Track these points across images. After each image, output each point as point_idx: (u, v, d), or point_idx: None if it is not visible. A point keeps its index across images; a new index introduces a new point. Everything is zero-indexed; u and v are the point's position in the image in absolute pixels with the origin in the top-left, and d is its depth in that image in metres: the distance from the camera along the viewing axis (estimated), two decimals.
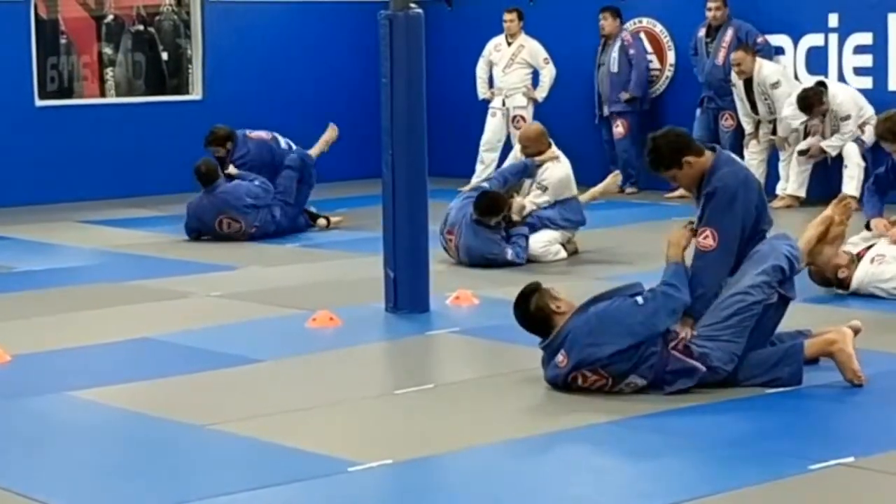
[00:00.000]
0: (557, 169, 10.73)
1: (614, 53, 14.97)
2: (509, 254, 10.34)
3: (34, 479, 5.55)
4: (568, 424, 6.18)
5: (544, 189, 10.67)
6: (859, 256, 8.89)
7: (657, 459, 5.78)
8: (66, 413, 6.65)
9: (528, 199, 10.67)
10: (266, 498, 5.30)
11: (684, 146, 6.84)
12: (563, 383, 6.62)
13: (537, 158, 10.76)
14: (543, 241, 10.56)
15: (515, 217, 10.52)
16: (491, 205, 10.37)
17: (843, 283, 8.84)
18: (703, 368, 6.52)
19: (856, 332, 6.95)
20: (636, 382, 6.56)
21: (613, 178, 11.30)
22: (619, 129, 15.04)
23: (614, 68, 15.00)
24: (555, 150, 10.83)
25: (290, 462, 5.71)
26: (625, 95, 14.99)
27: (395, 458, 5.70)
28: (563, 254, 10.68)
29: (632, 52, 14.95)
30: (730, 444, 5.86)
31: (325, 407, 6.63)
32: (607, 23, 15.01)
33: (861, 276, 8.78)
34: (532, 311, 6.74)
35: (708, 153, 6.88)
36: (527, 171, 10.80)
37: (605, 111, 15.18)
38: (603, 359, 6.49)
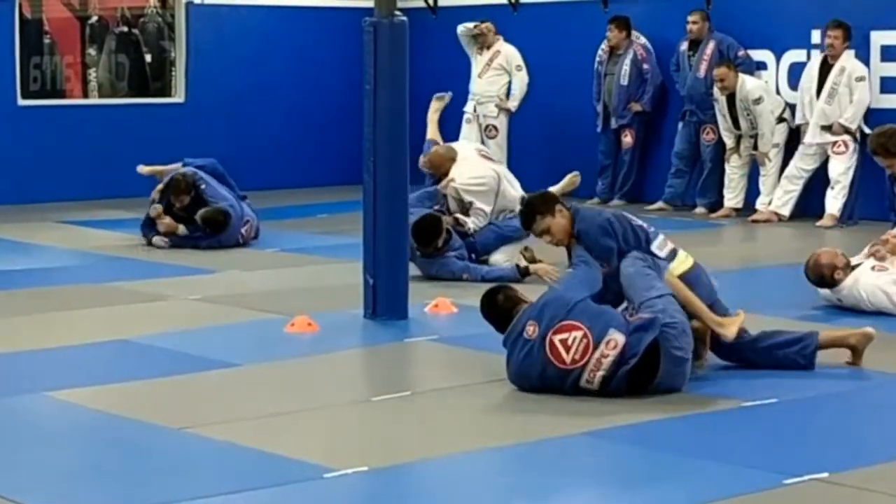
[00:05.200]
0: (466, 182, 10.63)
1: (625, 66, 14.84)
2: (465, 276, 10.16)
3: (8, 480, 5.53)
4: (544, 434, 6.19)
5: (470, 204, 10.62)
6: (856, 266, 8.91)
7: (631, 470, 5.80)
8: (42, 414, 6.64)
9: (471, 220, 10.57)
10: (240, 503, 5.30)
11: (553, 199, 7.50)
12: (538, 356, 6.72)
13: (439, 186, 10.71)
14: (503, 259, 10.52)
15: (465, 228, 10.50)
16: (427, 233, 10.11)
17: (836, 283, 8.85)
18: (659, 315, 6.75)
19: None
20: (616, 339, 6.69)
21: (571, 179, 11.16)
22: (627, 139, 14.99)
23: (624, 81, 14.85)
24: (451, 172, 10.73)
25: (266, 467, 5.70)
26: (636, 107, 14.90)
27: (371, 465, 5.70)
28: (524, 262, 10.61)
29: (646, 66, 14.82)
30: (704, 457, 5.87)
31: (302, 412, 6.62)
32: (613, 34, 14.85)
33: (859, 279, 8.75)
34: (501, 301, 7.09)
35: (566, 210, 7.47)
36: (435, 198, 10.70)
37: (613, 123, 15.04)
38: (573, 302, 6.82)
